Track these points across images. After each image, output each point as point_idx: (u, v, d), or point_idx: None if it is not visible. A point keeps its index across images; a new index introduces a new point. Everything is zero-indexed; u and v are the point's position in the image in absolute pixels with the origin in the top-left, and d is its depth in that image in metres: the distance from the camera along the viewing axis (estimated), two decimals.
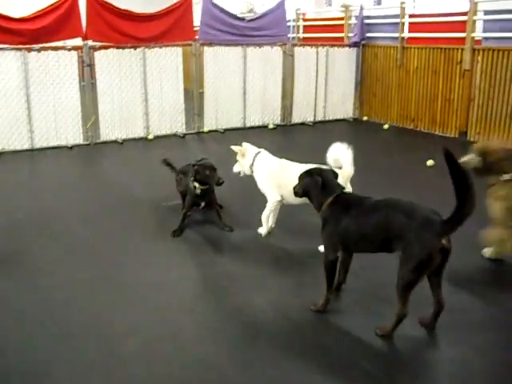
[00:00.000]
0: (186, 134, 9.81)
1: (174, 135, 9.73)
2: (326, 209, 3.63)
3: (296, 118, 11.02)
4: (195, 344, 3.38)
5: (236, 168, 5.19)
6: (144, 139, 9.43)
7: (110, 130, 9.19)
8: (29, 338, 3.41)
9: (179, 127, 9.81)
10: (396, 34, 10.48)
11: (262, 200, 5.06)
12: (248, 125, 10.50)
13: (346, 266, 3.85)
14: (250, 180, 5.19)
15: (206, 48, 9.74)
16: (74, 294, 3.99)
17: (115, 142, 9.17)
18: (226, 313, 3.75)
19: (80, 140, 8.99)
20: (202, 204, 5.27)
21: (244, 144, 5.18)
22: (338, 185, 3.75)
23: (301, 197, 3.93)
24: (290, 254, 4.73)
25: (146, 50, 9.22)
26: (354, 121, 11.56)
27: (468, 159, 4.59)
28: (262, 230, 5.05)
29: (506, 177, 4.36)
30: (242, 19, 10.39)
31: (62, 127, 8.81)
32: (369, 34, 11.11)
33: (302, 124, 11.04)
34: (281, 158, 5.04)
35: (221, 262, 4.55)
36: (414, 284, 3.22)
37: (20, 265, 4.47)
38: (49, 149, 8.69)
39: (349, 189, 4.46)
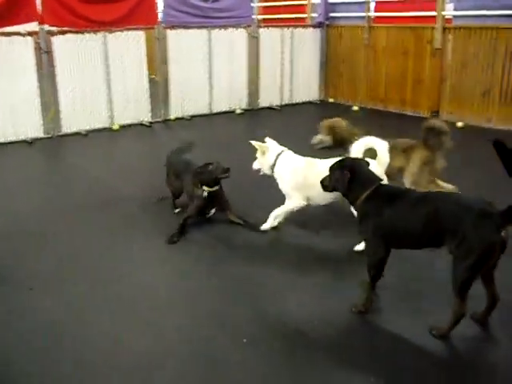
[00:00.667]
0: (152, 123, 9.32)
1: (141, 124, 9.23)
2: (365, 202, 3.36)
3: (263, 102, 10.70)
4: (235, 364, 3.06)
5: (256, 165, 4.71)
6: (109, 129, 8.88)
7: (72, 121, 8.57)
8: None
9: (145, 115, 9.30)
10: (362, 14, 10.29)
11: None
12: (215, 110, 10.10)
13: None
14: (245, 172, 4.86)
15: (169, 31, 9.23)
16: (68, 317, 3.58)
17: (78, 133, 8.58)
18: (259, 321, 3.43)
19: (40, 133, 8.35)
20: (212, 211, 4.87)
21: (267, 140, 4.72)
22: (376, 176, 3.47)
23: (331, 191, 3.63)
24: (310, 251, 4.41)
25: (107, 34, 8.63)
26: (321, 103, 11.36)
27: (319, 140, 5.18)
28: (266, 226, 4.70)
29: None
30: (206, 0, 9.92)
31: (20, 120, 8.14)
32: (333, 14, 10.88)
33: (269, 108, 10.74)
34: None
35: (237, 264, 4.20)
36: (473, 280, 3.00)
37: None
38: (6, 144, 8.02)
39: (385, 179, 4.10)
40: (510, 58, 8.29)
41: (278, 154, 4.56)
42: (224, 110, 10.20)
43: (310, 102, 11.29)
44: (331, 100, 11.32)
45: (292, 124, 9.74)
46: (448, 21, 9.09)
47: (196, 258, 4.35)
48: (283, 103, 10.97)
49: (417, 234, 3.21)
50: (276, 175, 4.60)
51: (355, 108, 10.52)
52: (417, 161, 4.78)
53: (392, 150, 4.28)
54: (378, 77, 10.39)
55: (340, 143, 5.13)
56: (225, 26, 9.78)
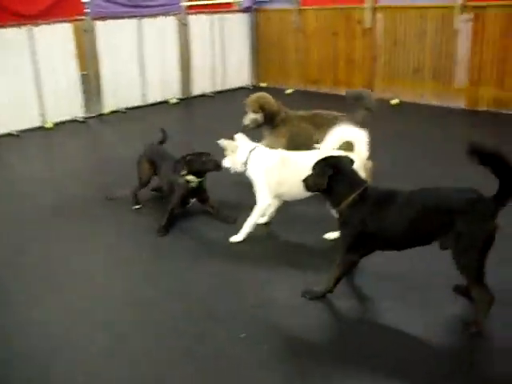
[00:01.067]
0: (86, 118, 8.95)
1: (74, 120, 8.84)
2: (351, 207, 3.24)
3: (196, 90, 10.55)
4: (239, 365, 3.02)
5: (227, 163, 4.43)
6: (42, 128, 8.45)
7: (1, 122, 8.08)
8: None
9: (78, 111, 8.91)
10: None
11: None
12: (149, 101, 9.85)
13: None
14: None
15: (98, 23, 8.86)
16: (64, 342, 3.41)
17: (10, 134, 8.09)
18: (251, 319, 3.39)
19: None
20: (192, 201, 4.72)
21: (237, 137, 4.42)
22: (361, 177, 3.38)
23: (314, 191, 3.52)
24: (294, 247, 4.31)
25: (33, 28, 8.17)
26: (254, 88, 11.31)
27: (252, 119, 5.26)
28: (237, 238, 4.32)
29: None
30: None
31: None
32: None
33: (203, 96, 10.60)
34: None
35: (219, 264, 4.12)
36: (484, 265, 3.01)
37: None
38: None
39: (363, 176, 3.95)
40: (439, 36, 8.60)
41: (251, 151, 4.30)
42: (158, 100, 9.96)
43: (242, 88, 11.24)
44: (264, 84, 11.32)
45: (227, 110, 9.66)
46: (376, 1, 9.28)
47: (171, 255, 4.24)
48: (216, 90, 10.86)
49: (408, 236, 3.20)
50: (249, 173, 4.34)
51: (288, 91, 10.58)
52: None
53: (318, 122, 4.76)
54: (309, 59, 10.49)
55: (271, 118, 5.16)
56: (154, 15, 9.52)
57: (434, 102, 8.87)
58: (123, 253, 4.31)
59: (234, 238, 4.32)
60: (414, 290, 3.59)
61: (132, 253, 4.30)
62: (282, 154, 4.30)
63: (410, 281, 3.70)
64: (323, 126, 4.86)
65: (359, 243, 3.29)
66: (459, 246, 3.01)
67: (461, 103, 8.60)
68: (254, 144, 4.42)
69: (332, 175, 3.26)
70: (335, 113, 5.23)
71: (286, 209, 4.58)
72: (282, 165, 4.18)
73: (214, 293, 3.66)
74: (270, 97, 5.34)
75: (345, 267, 3.37)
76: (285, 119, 5.22)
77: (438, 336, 3.14)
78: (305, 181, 3.46)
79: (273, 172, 4.19)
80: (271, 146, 4.61)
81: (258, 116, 5.21)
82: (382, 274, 3.74)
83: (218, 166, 4.50)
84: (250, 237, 4.34)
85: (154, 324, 3.34)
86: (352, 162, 3.43)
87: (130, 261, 4.18)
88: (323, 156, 3.46)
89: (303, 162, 3.93)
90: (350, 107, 5.23)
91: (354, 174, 3.35)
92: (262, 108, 5.19)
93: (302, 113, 5.35)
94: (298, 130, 5.21)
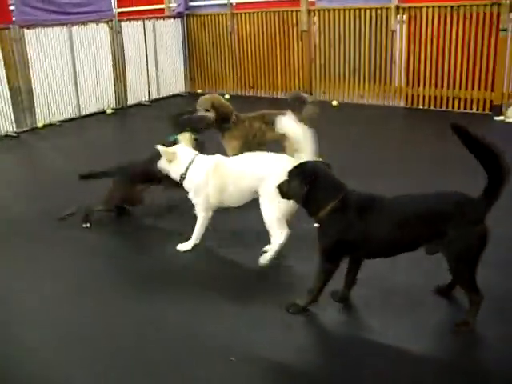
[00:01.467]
0: (19, 133, 8.44)
1: (6, 136, 8.31)
2: (331, 214, 3.09)
3: (132, 99, 10.20)
4: None
5: (161, 165, 4.15)
6: None
7: None
8: None
9: (9, 126, 8.39)
10: (224, 1, 10.21)
11: None
12: (84, 113, 9.43)
13: (354, 275, 3.37)
14: None
15: (26, 31, 8.37)
16: None
17: None
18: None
19: None
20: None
21: (177, 147, 4.17)
22: (341, 183, 3.19)
23: (289, 199, 3.34)
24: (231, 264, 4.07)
25: None
26: (189, 94, 11.13)
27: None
28: (186, 246, 4.17)
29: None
30: None
31: None
32: (194, 3, 10.68)
33: (139, 105, 10.29)
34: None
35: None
36: (476, 269, 2.96)
37: None
38: None
39: None
40: (376, 37, 8.76)
41: (191, 161, 4.06)
42: (94, 111, 9.56)
43: (178, 95, 11.03)
44: (199, 91, 11.13)
45: (164, 118, 9.41)
46: (312, 3, 9.34)
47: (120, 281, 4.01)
48: (152, 98, 10.57)
49: (393, 244, 3.12)
50: (186, 184, 4.09)
51: (226, 96, 10.43)
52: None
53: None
54: (245, 63, 10.42)
55: (223, 119, 5.08)
56: (85, 22, 9.13)
57: (374, 102, 9.03)
58: (70, 280, 3.99)
59: (182, 247, 4.18)
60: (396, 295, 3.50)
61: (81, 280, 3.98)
62: (217, 159, 4.10)
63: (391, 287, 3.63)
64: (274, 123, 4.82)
65: (340, 251, 3.19)
66: (451, 252, 2.96)
67: (400, 102, 8.80)
68: (193, 152, 4.18)
69: (310, 182, 3.10)
70: (282, 111, 5.20)
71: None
72: (217, 170, 3.99)
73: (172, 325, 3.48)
74: (222, 98, 5.26)
75: (326, 276, 3.22)
76: (236, 122, 5.15)
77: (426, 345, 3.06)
78: (279, 187, 3.29)
79: (209, 179, 3.99)
80: (226, 150, 4.69)
81: (211, 115, 5.06)
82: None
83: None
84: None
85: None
86: (328, 165, 3.29)
87: (80, 289, 3.85)
88: (300, 162, 3.31)
89: (240, 167, 3.93)
90: (293, 109, 5.18)
91: (332, 179, 3.17)
92: (214, 107, 5.06)
93: (251, 114, 5.31)
94: (251, 130, 5.17)
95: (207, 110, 5.08)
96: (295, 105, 5.06)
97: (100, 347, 3.14)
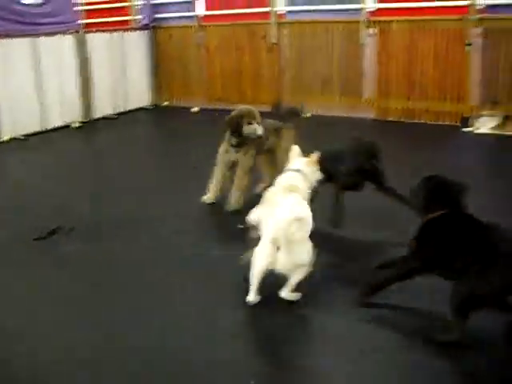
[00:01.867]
0: None
1: None
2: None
3: (98, 113, 9.98)
4: None
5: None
6: None
7: None
8: None
9: None
10: (191, 13, 10.15)
11: None
12: (50, 126, 9.16)
13: None
14: None
15: None
16: None
17: None
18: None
19: None
20: None
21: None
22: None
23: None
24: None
25: None
26: (156, 107, 11.00)
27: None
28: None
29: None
30: (28, 4, 8.90)
31: None
32: (160, 15, 10.57)
33: (106, 118, 10.08)
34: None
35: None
36: None
37: None
38: None
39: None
40: (346, 50, 8.87)
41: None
42: (60, 124, 9.31)
43: (144, 108, 10.87)
44: (166, 103, 11.02)
45: (131, 132, 9.36)
46: (281, 16, 9.39)
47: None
48: (118, 111, 10.38)
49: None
50: None
51: (195, 109, 10.37)
52: (289, 138, 5.15)
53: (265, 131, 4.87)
54: (213, 76, 10.36)
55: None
56: (50, 33, 8.90)
57: (345, 114, 9.11)
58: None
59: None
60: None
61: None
62: None
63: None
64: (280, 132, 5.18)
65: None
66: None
67: (371, 114, 8.92)
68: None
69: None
70: (277, 121, 5.33)
71: None
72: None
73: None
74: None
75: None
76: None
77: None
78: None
79: None
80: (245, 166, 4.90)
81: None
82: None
83: None
84: None
85: None
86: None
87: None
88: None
89: None
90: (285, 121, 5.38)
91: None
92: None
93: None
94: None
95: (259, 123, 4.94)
96: (289, 117, 5.12)
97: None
